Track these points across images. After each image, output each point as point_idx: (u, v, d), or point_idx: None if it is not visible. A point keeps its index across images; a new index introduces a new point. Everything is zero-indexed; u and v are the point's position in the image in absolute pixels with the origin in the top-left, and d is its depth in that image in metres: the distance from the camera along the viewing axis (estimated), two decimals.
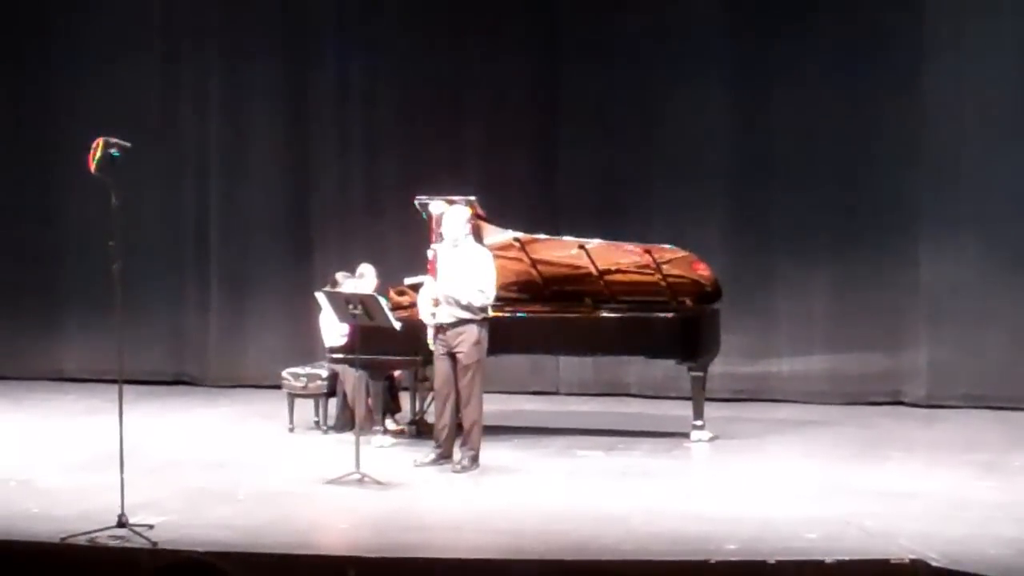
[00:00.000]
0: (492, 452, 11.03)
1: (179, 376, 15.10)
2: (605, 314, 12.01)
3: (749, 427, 12.52)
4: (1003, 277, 13.30)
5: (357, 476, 10.24)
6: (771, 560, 8.01)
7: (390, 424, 12.18)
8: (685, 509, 9.56)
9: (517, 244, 11.97)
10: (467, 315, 10.69)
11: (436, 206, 11.50)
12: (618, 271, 12.14)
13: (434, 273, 10.95)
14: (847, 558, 8.00)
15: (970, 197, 13.31)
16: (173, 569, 4.44)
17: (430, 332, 10.89)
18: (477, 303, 10.68)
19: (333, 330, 11.90)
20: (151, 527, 8.77)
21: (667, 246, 11.97)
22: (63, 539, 8.54)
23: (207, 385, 14.87)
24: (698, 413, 11.92)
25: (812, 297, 13.76)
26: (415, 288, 11.57)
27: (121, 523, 8.67)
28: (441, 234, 11.04)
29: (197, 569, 4.43)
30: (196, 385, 14.94)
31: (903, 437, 12.13)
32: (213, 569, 4.43)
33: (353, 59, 14.76)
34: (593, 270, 12.10)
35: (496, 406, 12.13)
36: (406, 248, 12.78)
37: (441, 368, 10.80)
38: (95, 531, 8.63)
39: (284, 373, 12.61)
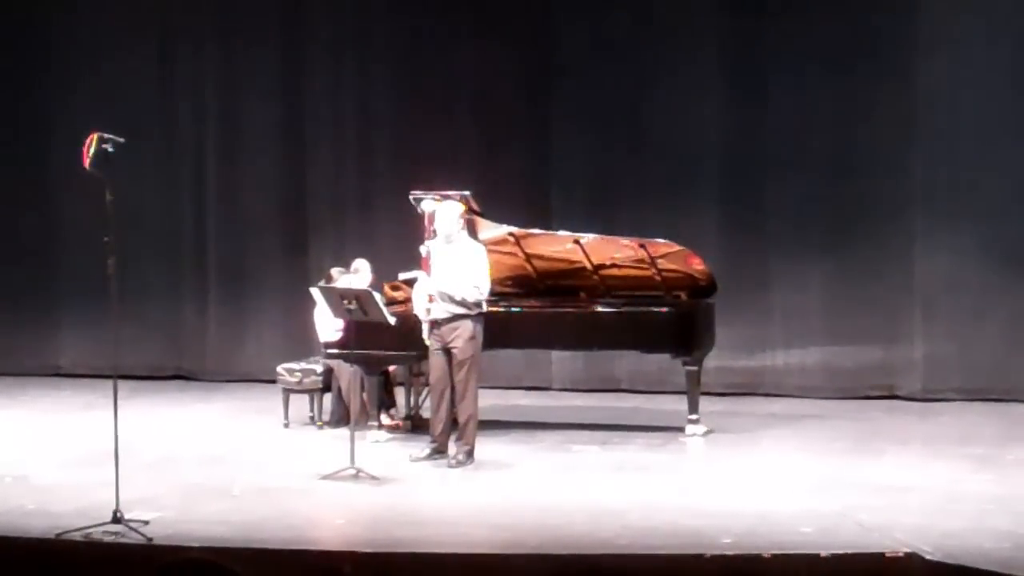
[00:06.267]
0: (487, 447, 11.04)
1: (177, 371, 15.10)
2: (600, 309, 12.01)
3: (744, 421, 12.52)
4: (997, 270, 13.30)
5: (352, 471, 10.24)
6: (766, 554, 8.02)
7: (385, 419, 12.18)
8: (680, 503, 9.56)
9: (512, 239, 11.98)
10: (462, 310, 10.69)
11: (427, 204, 11.52)
12: (613, 265, 12.15)
13: (428, 270, 10.97)
14: (842, 552, 7.99)
15: (964, 191, 13.31)
16: (178, 568, 4.41)
17: (425, 328, 10.90)
18: (471, 298, 10.69)
19: (328, 325, 11.90)
20: (147, 523, 8.75)
21: (662, 240, 11.97)
22: (59, 535, 8.54)
23: (205, 380, 14.88)
24: (693, 407, 11.92)
25: (807, 291, 13.75)
26: (409, 283, 11.57)
27: (117, 519, 8.67)
28: (434, 231, 11.06)
29: (203, 569, 4.40)
30: (194, 380, 14.95)
31: (898, 431, 12.14)
32: (221, 569, 4.39)
33: (348, 56, 14.76)
34: (588, 265, 12.10)
35: (490, 401, 12.14)
36: (401, 244, 12.77)
37: (436, 363, 10.81)
38: (91, 527, 8.62)
39: (279, 368, 12.61)
